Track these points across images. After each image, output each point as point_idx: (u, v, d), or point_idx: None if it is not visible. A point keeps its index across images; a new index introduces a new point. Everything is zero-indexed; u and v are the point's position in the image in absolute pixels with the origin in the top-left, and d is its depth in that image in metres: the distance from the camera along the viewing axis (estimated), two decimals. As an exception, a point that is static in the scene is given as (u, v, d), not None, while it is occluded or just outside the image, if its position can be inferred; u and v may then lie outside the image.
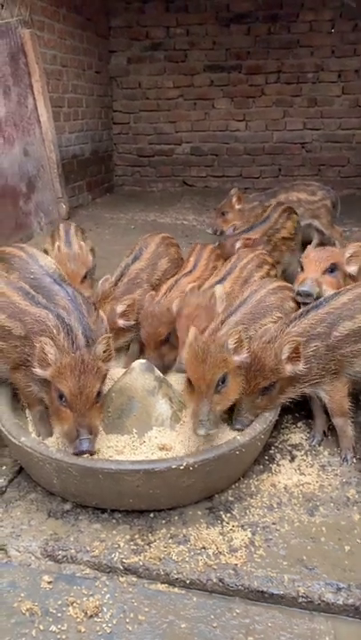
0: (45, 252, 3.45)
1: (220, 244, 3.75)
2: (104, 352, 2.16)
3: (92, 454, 2.00)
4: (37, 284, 2.45)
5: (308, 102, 7.75)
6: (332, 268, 2.72)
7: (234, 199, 4.67)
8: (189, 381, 2.18)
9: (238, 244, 3.47)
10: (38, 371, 2.10)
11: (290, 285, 2.80)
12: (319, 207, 4.90)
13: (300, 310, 2.43)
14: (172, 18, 7.73)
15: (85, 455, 1.98)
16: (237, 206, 4.67)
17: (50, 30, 6.14)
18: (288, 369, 2.21)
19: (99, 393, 2.09)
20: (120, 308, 2.73)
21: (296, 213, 4.26)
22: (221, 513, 2.05)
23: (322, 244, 4.86)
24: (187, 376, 2.20)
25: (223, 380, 2.14)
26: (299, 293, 2.65)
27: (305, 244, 4.31)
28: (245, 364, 2.20)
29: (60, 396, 2.05)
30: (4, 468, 2.29)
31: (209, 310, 2.60)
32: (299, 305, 2.65)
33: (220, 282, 2.88)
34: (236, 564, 1.83)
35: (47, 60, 6.03)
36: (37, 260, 2.57)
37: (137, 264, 3.09)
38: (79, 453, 1.97)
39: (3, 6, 5.14)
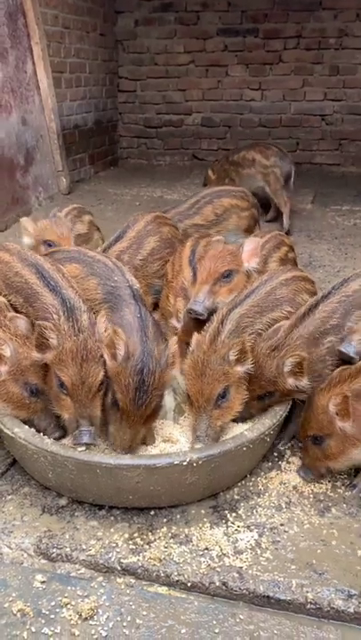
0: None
1: None
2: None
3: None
4: (115, 293, 2.43)
5: (329, 70, 7.62)
6: (228, 274, 2.65)
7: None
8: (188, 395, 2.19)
9: None
10: (37, 355, 2.09)
11: (307, 275, 2.77)
12: (268, 173, 5.30)
13: (309, 303, 2.39)
14: (184, -24, 7.61)
15: (83, 447, 2.00)
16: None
17: (51, -12, 6.06)
18: (290, 383, 2.20)
19: (101, 382, 2.09)
20: None
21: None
22: (226, 512, 2.05)
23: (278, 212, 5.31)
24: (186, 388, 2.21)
25: (224, 395, 2.14)
26: (189, 311, 2.57)
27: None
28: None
29: (61, 384, 2.06)
30: (-4, 459, 2.30)
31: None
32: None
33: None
34: (240, 567, 1.84)
35: (48, 20, 5.96)
36: (124, 272, 2.56)
37: (118, 245, 3.00)
38: (78, 445, 2.00)
39: None
